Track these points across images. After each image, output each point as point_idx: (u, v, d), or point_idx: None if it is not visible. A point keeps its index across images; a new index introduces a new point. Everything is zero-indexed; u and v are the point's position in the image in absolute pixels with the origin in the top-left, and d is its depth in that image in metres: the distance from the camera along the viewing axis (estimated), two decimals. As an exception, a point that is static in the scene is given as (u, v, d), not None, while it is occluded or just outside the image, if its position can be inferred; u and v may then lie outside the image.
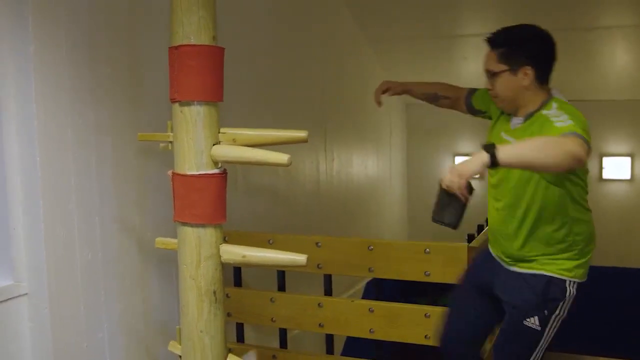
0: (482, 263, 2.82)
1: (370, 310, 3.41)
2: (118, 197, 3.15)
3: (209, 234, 2.55)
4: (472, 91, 2.98)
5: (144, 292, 3.35)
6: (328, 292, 3.63)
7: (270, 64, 4.56)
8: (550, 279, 2.46)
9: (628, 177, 8.02)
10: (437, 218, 2.33)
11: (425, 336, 3.29)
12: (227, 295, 3.52)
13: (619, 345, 7.45)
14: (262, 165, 2.61)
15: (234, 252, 2.60)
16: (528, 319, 2.49)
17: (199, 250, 2.54)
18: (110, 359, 3.10)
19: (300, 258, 2.55)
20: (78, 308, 2.92)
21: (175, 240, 2.62)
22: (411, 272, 3.33)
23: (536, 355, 2.54)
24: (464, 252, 3.20)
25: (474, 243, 3.34)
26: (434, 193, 2.38)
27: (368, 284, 6.26)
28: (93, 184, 2.99)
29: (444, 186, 2.24)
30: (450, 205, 2.27)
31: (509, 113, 2.68)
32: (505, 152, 2.19)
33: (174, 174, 2.52)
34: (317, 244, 3.44)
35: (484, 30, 2.75)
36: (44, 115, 2.72)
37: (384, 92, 3.10)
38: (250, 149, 2.50)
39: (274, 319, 3.64)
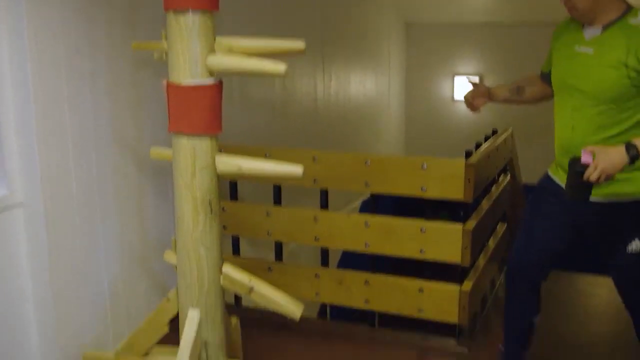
0: (551, 195, 2.75)
1: (366, 225, 3.42)
2: (112, 109, 3.11)
3: (204, 145, 2.53)
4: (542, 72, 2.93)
5: (140, 205, 3.35)
6: (324, 206, 3.64)
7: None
8: None
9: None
10: (574, 197, 2.39)
11: (421, 250, 3.32)
12: (222, 209, 3.53)
13: None
14: (258, 76, 2.58)
15: (230, 163, 2.59)
16: (632, 244, 2.53)
17: (194, 161, 2.53)
18: (106, 271, 3.13)
19: (296, 169, 2.54)
20: (74, 220, 2.92)
21: (170, 151, 2.60)
22: (407, 187, 3.32)
23: None
24: (461, 168, 3.18)
25: (471, 159, 3.32)
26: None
27: (364, 203, 6.29)
28: (87, 96, 2.95)
29: (585, 178, 2.27)
30: (584, 185, 2.32)
31: (583, 23, 2.59)
32: None
33: (168, 84, 2.48)
34: (313, 158, 3.43)
35: None
36: (36, 27, 2.65)
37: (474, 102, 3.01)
38: (246, 58, 2.45)
39: (269, 232, 3.66)
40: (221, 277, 2.69)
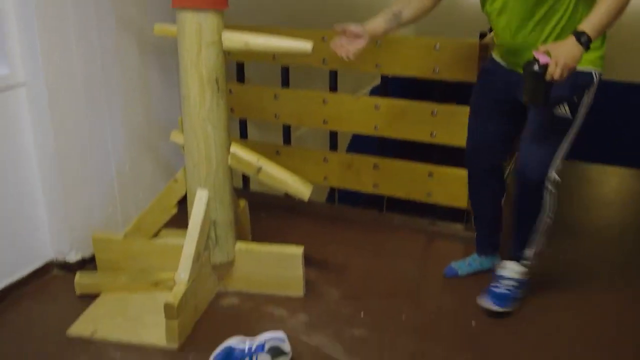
0: (497, 78, 2.63)
1: (376, 107, 3.35)
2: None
3: (210, 20, 2.44)
4: None
5: (145, 85, 3.27)
6: (333, 88, 3.55)
7: None
8: (577, 72, 2.34)
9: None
10: (534, 102, 2.28)
11: (431, 134, 3.25)
12: (230, 91, 3.45)
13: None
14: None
15: (237, 39, 2.51)
16: (558, 108, 2.42)
17: (200, 37, 2.45)
18: (112, 153, 3.08)
19: (305, 45, 2.46)
20: (77, 101, 2.85)
21: (175, 27, 2.51)
22: (419, 69, 3.23)
23: (565, 143, 2.48)
24: (475, 49, 3.08)
25: (486, 39, 3.20)
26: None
27: (373, 90, 6.18)
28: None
29: (548, 77, 2.14)
30: (543, 86, 2.19)
31: None
32: (593, 32, 2.16)
33: (171, -46, 2.37)
34: (323, 38, 3.31)
35: None
36: None
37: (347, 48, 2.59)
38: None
39: (277, 115, 3.60)
40: (229, 156, 2.64)
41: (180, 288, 2.48)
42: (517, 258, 2.71)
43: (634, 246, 3.37)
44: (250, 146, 3.03)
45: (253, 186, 3.86)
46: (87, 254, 2.99)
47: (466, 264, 3.01)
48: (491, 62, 2.68)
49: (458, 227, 3.44)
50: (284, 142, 3.81)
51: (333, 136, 3.74)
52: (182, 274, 2.52)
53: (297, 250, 2.75)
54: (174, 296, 2.44)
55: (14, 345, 2.52)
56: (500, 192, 2.88)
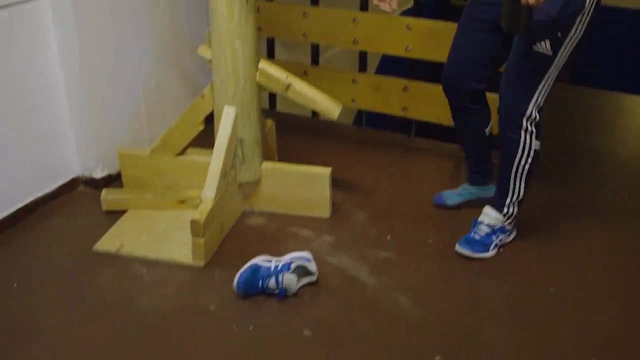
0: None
1: (408, 27, 3.24)
2: None
3: None
4: None
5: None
6: (364, 7, 3.44)
7: None
8: None
9: None
10: (512, 28, 2.12)
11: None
12: (257, 9, 3.36)
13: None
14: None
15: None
16: (538, 44, 2.23)
17: (229, -53, 2.36)
18: (138, 68, 3.03)
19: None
20: (102, 15, 2.78)
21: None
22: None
23: (544, 82, 2.31)
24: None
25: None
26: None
27: (405, 11, 6.02)
28: None
29: (523, 1, 1.96)
30: (520, 11, 2.01)
31: None
32: None
33: None
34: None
35: None
36: None
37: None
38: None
39: (305, 34, 3.50)
40: (257, 73, 2.58)
41: (206, 205, 2.46)
42: (495, 204, 2.57)
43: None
44: (278, 66, 2.96)
45: (280, 107, 3.80)
46: (113, 170, 2.97)
47: (456, 193, 2.87)
48: None
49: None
50: (312, 63, 3.72)
51: (362, 57, 3.64)
52: (208, 191, 2.49)
53: (325, 171, 2.71)
54: (200, 213, 2.42)
55: (41, 259, 2.53)
56: (482, 119, 2.67)
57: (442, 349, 2.12)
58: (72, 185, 2.95)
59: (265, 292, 2.30)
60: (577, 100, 4.30)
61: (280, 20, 3.54)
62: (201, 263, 2.46)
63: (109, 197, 2.77)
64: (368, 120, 3.94)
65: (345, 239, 2.67)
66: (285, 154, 3.07)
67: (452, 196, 2.86)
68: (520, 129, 2.38)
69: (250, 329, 2.18)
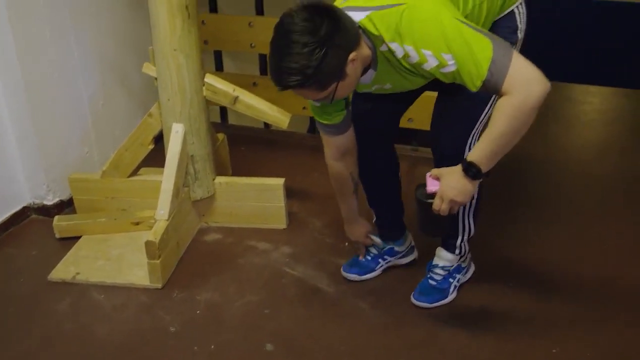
0: None
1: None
2: None
3: (176, -57, 2.32)
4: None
5: (114, 15, 3.14)
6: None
7: None
8: (502, 20, 2.02)
9: None
10: (428, 232, 2.03)
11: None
12: (202, 22, 3.33)
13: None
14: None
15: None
16: None
17: (167, -39, 2.33)
18: (84, 87, 2.98)
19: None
20: (43, 33, 2.72)
21: (139, -48, 2.39)
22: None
23: (486, 113, 2.09)
24: None
25: None
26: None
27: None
28: None
29: (435, 211, 1.86)
30: (432, 217, 1.91)
31: None
32: (484, 162, 1.78)
33: None
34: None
35: None
36: None
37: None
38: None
39: (252, 44, 3.48)
40: (204, 87, 2.56)
41: (160, 225, 2.42)
42: (446, 246, 2.38)
43: (613, 164, 3.36)
44: (226, 79, 2.94)
45: (232, 119, 3.78)
46: (64, 195, 2.92)
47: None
48: None
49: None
50: (260, 73, 3.71)
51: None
52: (162, 211, 2.46)
53: (278, 182, 2.69)
54: (154, 234, 2.39)
55: (-6, 291, 2.48)
56: (396, 161, 2.46)
57: (406, 350, 2.12)
58: (23, 214, 2.88)
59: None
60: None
61: (226, 32, 3.51)
62: (159, 284, 2.42)
63: (61, 223, 2.72)
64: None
65: (303, 248, 2.65)
66: (239, 167, 3.05)
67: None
68: None
69: (212, 348, 2.15)
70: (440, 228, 2.01)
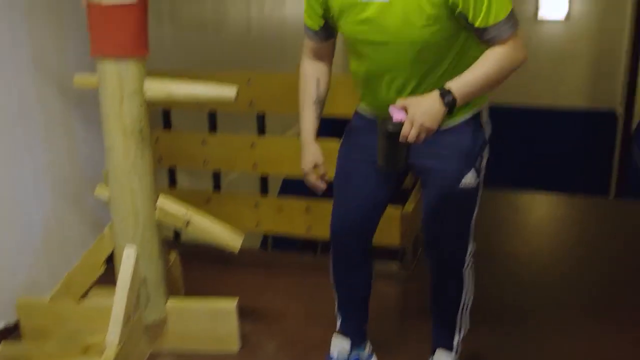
0: (367, 136, 2.19)
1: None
2: (32, 34, 2.85)
3: (131, 69, 2.36)
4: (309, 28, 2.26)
5: (68, 137, 3.14)
6: (261, 131, 3.50)
7: None
8: (471, 118, 2.11)
9: (563, 15, 7.95)
10: (390, 166, 1.96)
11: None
12: (156, 140, 3.36)
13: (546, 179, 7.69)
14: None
15: (159, 88, 2.43)
16: (464, 179, 2.12)
17: (122, 87, 2.37)
18: (36, 209, 2.94)
19: (229, 92, 2.41)
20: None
21: (95, 77, 2.42)
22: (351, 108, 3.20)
23: (476, 213, 2.21)
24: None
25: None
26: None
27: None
28: (2, 23, 2.70)
29: (401, 139, 1.85)
30: (398, 149, 1.90)
31: None
32: (461, 95, 1.88)
33: (89, 3, 2.29)
34: (248, 80, 3.27)
35: None
36: None
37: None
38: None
39: (206, 161, 3.51)
40: (156, 210, 2.55)
41: (109, 353, 2.35)
42: (446, 346, 2.40)
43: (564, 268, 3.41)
44: (180, 195, 2.94)
45: (185, 236, 3.75)
46: (11, 320, 2.81)
47: None
48: (359, 119, 2.32)
49: (393, 267, 3.42)
50: (214, 189, 3.72)
51: (264, 180, 3.67)
52: (112, 337, 2.39)
53: (230, 304, 2.65)
54: (104, 361, 2.32)
55: None
56: (371, 272, 2.53)
57: None
58: (-34, 340, 2.78)
59: None
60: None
61: (180, 149, 3.54)
62: (109, 414, 2.33)
63: (7, 351, 2.61)
64: (274, 242, 3.93)
65: (256, 372, 2.60)
66: (192, 286, 3.01)
67: None
68: (463, 271, 2.28)
69: None
70: (403, 159, 1.95)
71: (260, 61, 5.34)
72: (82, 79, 2.55)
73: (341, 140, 2.39)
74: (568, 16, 7.97)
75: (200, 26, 4.38)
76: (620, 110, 7.53)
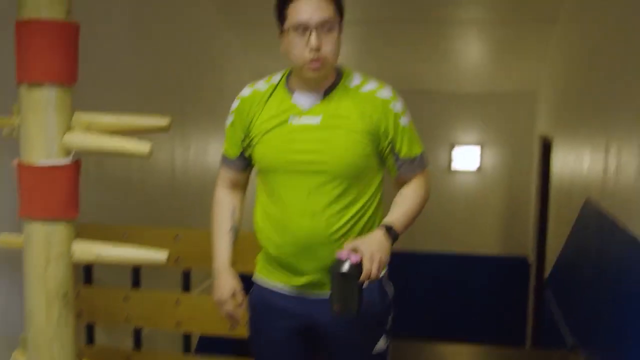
0: (276, 311, 2.28)
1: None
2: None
3: (59, 231, 2.31)
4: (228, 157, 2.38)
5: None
6: (186, 288, 3.44)
7: (128, 45, 4.24)
8: (381, 280, 2.18)
9: (476, 167, 8.33)
10: (348, 311, 1.91)
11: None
12: (77, 294, 3.24)
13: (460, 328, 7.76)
14: (120, 156, 2.40)
15: (87, 250, 2.38)
16: (376, 346, 2.17)
17: (48, 249, 2.31)
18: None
19: (160, 255, 2.37)
20: None
21: (20, 238, 2.35)
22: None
23: None
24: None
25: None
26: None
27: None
28: None
29: (364, 277, 1.89)
30: (357, 290, 1.90)
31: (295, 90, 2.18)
32: (401, 229, 2.06)
33: (19, 164, 2.26)
34: (175, 236, 3.24)
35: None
36: None
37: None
38: (107, 137, 2.28)
39: (128, 318, 3.40)
40: (78, 373, 2.43)
41: None
42: None
43: None
44: (98, 353, 2.82)
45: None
46: None
47: None
48: (263, 294, 2.32)
49: None
50: (134, 346, 3.58)
51: (187, 338, 3.57)
52: None
53: None
54: None
55: None
56: None
57: None
58: None
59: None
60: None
61: (100, 305, 3.43)
62: None
63: None
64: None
65: None
66: None
67: None
68: None
69: None
70: (360, 302, 1.91)
71: (184, 215, 5.34)
72: (6, 239, 2.48)
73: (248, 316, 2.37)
74: (479, 168, 8.35)
75: (124, 181, 4.36)
76: (532, 257, 7.77)
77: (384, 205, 2.25)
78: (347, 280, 1.88)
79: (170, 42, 5.01)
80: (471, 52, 7.22)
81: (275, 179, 2.18)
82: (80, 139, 2.26)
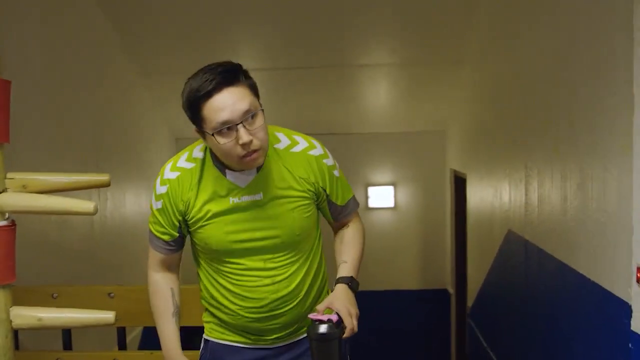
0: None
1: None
2: None
3: (-3, 296, 2.21)
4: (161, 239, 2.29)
5: None
6: (122, 346, 3.34)
7: (37, 102, 4.13)
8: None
9: (392, 205, 8.47)
10: None
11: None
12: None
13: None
14: (61, 214, 2.33)
15: (28, 315, 2.28)
16: None
17: (-15, 316, 2.19)
18: None
19: (107, 316, 2.29)
20: None
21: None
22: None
23: None
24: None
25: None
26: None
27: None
28: None
29: (348, 334, 1.92)
30: (335, 350, 1.91)
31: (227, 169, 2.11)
32: (357, 276, 2.20)
33: (-50, 228, 2.16)
34: (109, 294, 3.16)
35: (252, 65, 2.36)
36: None
37: None
38: (44, 196, 2.22)
39: (61, 382, 3.27)
40: None
41: None
42: None
43: None
44: None
45: None
46: None
47: None
48: (215, 350, 2.35)
49: None
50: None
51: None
52: None
53: None
54: None
55: None
56: None
57: None
58: None
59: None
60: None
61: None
62: None
63: None
64: None
65: None
66: None
67: None
68: None
69: None
70: (344, 358, 1.99)
71: (108, 272, 5.22)
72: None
73: None
74: (395, 206, 8.51)
75: (42, 238, 4.21)
76: (451, 289, 7.93)
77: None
78: (328, 341, 1.90)
79: (82, 97, 4.92)
80: (381, 94, 7.41)
81: (226, 255, 2.18)
82: (16, 200, 2.19)
